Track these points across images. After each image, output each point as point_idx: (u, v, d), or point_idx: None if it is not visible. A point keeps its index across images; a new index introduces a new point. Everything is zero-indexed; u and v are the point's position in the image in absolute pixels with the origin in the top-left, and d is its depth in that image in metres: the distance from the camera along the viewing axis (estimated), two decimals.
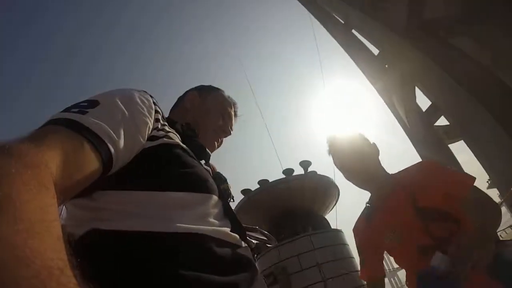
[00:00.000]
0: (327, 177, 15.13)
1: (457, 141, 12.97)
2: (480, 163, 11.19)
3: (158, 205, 0.74)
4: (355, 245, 1.70)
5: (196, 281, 0.65)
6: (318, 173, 15.25)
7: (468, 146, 12.04)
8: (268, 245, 1.40)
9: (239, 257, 0.81)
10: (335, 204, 16.18)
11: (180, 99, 1.37)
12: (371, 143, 1.54)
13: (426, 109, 15.08)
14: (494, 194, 10.32)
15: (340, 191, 15.79)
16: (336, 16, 19.06)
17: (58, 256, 0.38)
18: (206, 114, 1.29)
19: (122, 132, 0.70)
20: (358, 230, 1.58)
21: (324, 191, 14.98)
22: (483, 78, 10.64)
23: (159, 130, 0.88)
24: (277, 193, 13.70)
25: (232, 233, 0.83)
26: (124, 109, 0.75)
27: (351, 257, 12.43)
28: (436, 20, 12.65)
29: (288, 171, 15.07)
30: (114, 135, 0.68)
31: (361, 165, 1.46)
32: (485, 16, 12.05)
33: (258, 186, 14.44)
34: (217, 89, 1.41)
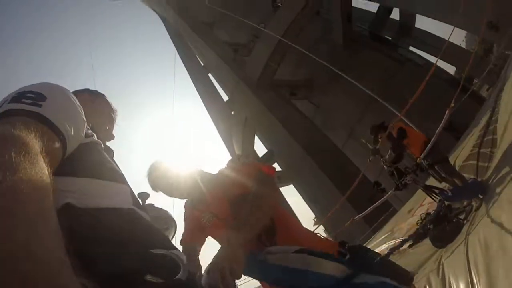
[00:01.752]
0: (165, 210, 14.42)
1: (288, 185, 15.20)
2: (307, 204, 13.41)
3: (100, 190, 0.85)
4: None
5: (145, 237, 0.81)
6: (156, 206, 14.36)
7: (296, 190, 14.32)
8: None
9: (158, 230, 0.97)
10: (173, 237, 15.33)
11: None
12: (186, 166, 1.93)
13: (262, 155, 17.24)
14: (320, 230, 12.31)
15: (177, 224, 15.19)
16: (198, 58, 20.02)
17: (58, 246, 0.41)
18: (97, 117, 1.35)
19: (72, 127, 0.79)
20: (186, 207, 1.92)
21: (161, 224, 14.06)
22: (313, 134, 13.18)
23: (87, 128, 0.99)
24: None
25: (147, 215, 1.00)
26: (69, 106, 0.86)
27: None
28: (283, 82, 15.22)
29: (142, 195, 13.51)
30: (68, 129, 0.77)
31: (179, 183, 1.76)
32: (324, 86, 15.39)
33: None
34: (103, 94, 1.50)
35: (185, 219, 1.91)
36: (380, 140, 4.86)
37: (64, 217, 0.49)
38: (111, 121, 1.45)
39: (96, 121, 1.29)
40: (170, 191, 1.80)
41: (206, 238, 1.93)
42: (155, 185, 1.80)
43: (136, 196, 1.05)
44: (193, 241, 1.88)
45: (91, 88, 1.48)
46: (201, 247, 1.90)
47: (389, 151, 4.52)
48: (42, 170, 0.53)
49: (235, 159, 1.82)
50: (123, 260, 0.67)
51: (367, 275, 1.31)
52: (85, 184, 0.81)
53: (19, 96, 0.76)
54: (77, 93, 1.33)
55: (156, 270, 0.69)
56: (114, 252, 0.67)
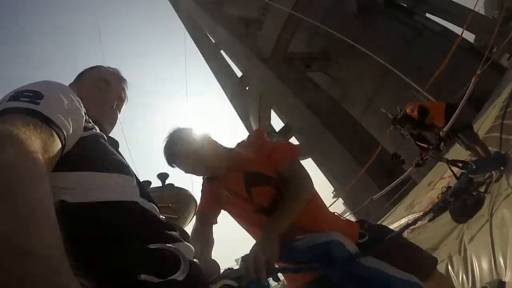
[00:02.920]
0: (185, 189, 14.77)
1: (306, 158, 15.27)
2: (326, 177, 13.47)
3: (100, 183, 0.85)
4: None
5: (143, 230, 0.81)
6: (176, 185, 14.71)
7: (315, 163, 14.37)
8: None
9: (165, 222, 0.97)
10: (193, 216, 15.85)
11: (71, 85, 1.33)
12: (204, 135, 1.78)
13: (280, 129, 17.30)
14: (338, 203, 12.41)
15: (197, 203, 15.58)
16: (208, 35, 19.80)
17: (58, 245, 0.41)
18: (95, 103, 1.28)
19: (70, 122, 0.79)
20: (203, 184, 1.84)
21: (182, 203, 14.49)
22: (330, 107, 13.03)
23: (87, 121, 0.99)
24: None
25: (154, 206, 0.99)
26: (66, 103, 0.85)
27: None
28: (297, 55, 14.93)
29: (144, 183, 13.83)
30: (67, 124, 0.77)
31: (197, 157, 1.68)
32: (339, 58, 15.02)
33: None
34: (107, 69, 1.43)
35: (201, 191, 1.89)
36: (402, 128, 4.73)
37: (58, 215, 0.48)
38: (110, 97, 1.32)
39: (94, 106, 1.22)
40: (191, 165, 1.68)
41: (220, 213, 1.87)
42: (173, 157, 1.67)
43: (144, 186, 1.04)
44: (208, 210, 1.82)
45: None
46: (216, 217, 1.84)
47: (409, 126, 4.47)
48: (40, 167, 0.53)
49: (256, 135, 1.75)
50: (116, 258, 0.67)
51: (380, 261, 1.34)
52: (83, 178, 0.82)
53: (17, 95, 0.77)
54: (84, 72, 1.32)
55: (153, 267, 0.68)
56: (107, 250, 0.67)
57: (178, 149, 1.63)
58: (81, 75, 1.34)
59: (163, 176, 15.54)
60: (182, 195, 15.37)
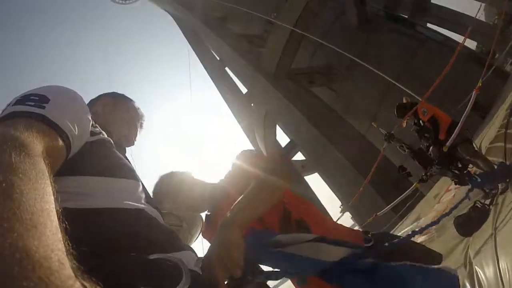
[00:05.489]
0: None
1: (312, 173, 15.19)
2: (333, 191, 13.36)
3: (104, 188, 0.84)
4: None
5: (144, 239, 0.79)
6: None
7: (321, 178, 14.27)
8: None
9: (168, 229, 0.97)
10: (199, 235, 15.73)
11: (92, 101, 1.38)
12: (182, 178, 1.77)
13: (285, 145, 17.28)
14: (347, 218, 12.23)
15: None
16: (213, 52, 20.16)
17: (57, 246, 0.40)
18: (115, 121, 1.33)
19: (76, 127, 0.80)
20: (204, 226, 1.82)
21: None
22: (334, 122, 13.04)
23: (94, 126, 0.98)
24: None
25: (157, 213, 1.01)
26: (73, 107, 0.86)
27: None
28: (301, 70, 15.06)
29: None
30: (72, 129, 0.77)
31: (174, 200, 1.70)
32: (342, 72, 15.11)
33: None
34: (130, 99, 1.48)
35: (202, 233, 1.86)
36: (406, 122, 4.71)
37: (61, 220, 0.48)
38: (132, 126, 1.41)
39: (113, 124, 1.29)
40: (172, 207, 1.69)
41: None
42: (156, 201, 1.67)
43: (147, 191, 1.04)
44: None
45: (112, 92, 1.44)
46: None
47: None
48: (42, 171, 0.52)
49: (242, 156, 1.70)
50: (117, 270, 0.65)
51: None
52: (87, 182, 0.82)
53: (23, 99, 0.77)
54: (100, 96, 1.39)
55: (153, 280, 0.67)
56: (107, 260, 0.66)
57: (158, 193, 1.67)
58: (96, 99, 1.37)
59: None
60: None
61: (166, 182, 1.71)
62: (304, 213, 1.54)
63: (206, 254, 0.95)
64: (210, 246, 0.99)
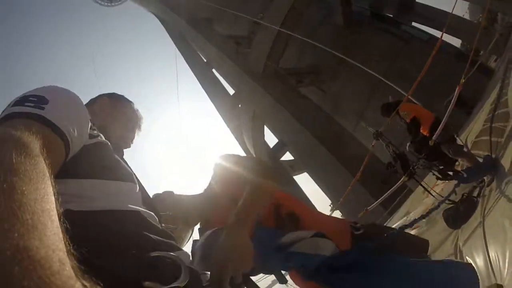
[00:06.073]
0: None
1: (302, 173, 15.21)
2: (322, 190, 13.42)
3: (100, 190, 0.85)
4: None
5: (143, 239, 0.81)
6: None
7: (311, 177, 14.33)
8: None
9: (163, 231, 0.97)
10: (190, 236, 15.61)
11: (91, 101, 1.38)
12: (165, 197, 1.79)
13: (273, 146, 17.33)
14: (337, 215, 12.34)
15: None
16: (200, 54, 20.06)
17: (58, 246, 0.40)
18: (113, 122, 1.33)
19: (75, 128, 0.79)
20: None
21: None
22: (322, 121, 13.11)
23: (92, 129, 0.97)
24: None
25: (153, 215, 1.02)
26: (72, 108, 0.86)
27: None
28: (288, 70, 15.12)
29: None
30: (72, 130, 0.77)
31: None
32: (329, 71, 15.22)
33: None
34: (129, 100, 1.49)
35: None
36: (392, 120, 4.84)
37: (62, 222, 0.48)
38: (130, 128, 1.42)
39: (111, 125, 1.30)
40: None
41: None
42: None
43: (145, 192, 1.04)
44: None
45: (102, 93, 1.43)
46: None
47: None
48: (43, 171, 0.53)
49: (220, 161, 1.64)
50: (121, 268, 0.66)
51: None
52: (86, 185, 0.83)
53: (22, 100, 0.77)
54: (99, 97, 1.39)
55: (155, 275, 0.69)
56: (110, 260, 0.66)
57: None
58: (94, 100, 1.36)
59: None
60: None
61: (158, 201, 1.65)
62: (293, 206, 1.58)
63: (214, 256, 0.94)
64: (218, 249, 0.96)
